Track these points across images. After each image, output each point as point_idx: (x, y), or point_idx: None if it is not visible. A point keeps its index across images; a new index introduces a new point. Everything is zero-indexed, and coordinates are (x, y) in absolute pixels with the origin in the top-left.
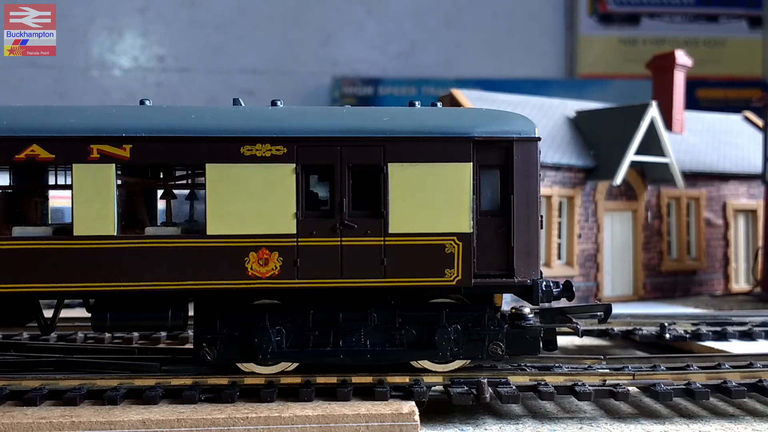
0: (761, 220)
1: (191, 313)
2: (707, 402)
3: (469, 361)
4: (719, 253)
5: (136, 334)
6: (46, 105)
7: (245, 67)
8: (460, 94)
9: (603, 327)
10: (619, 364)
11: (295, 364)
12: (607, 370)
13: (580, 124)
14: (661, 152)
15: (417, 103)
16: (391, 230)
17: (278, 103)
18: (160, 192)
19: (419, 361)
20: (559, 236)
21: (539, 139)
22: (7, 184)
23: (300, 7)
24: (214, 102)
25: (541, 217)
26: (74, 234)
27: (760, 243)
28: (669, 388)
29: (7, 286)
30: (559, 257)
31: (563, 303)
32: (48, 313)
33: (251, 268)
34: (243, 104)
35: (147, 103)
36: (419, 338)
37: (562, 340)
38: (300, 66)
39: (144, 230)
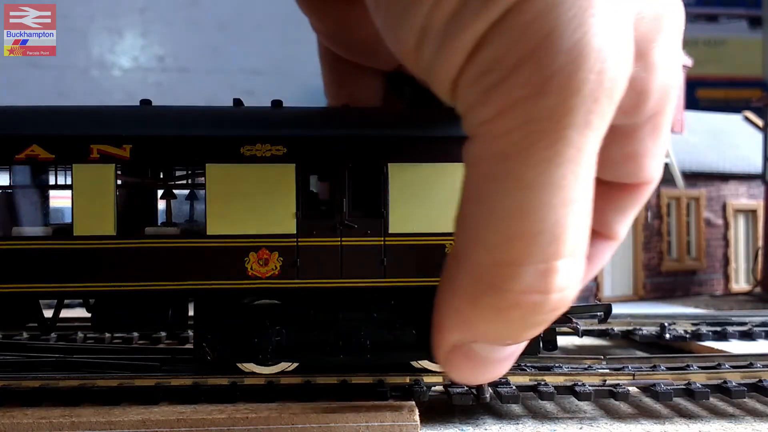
0: (761, 220)
1: (191, 313)
2: (707, 402)
3: None
4: (719, 253)
5: (136, 334)
6: (46, 105)
7: (245, 67)
8: None
9: (603, 327)
10: (619, 364)
11: (295, 364)
12: (607, 370)
13: None
14: None
15: None
16: (391, 230)
17: (279, 103)
18: (160, 192)
19: (419, 361)
20: None
21: None
22: (7, 184)
23: None
24: (214, 102)
25: None
26: (74, 234)
27: (760, 243)
28: (669, 388)
29: (7, 286)
30: None
31: None
32: (48, 313)
33: (251, 268)
34: (243, 104)
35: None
36: (419, 338)
37: (562, 340)
38: (300, 66)
39: (144, 230)
